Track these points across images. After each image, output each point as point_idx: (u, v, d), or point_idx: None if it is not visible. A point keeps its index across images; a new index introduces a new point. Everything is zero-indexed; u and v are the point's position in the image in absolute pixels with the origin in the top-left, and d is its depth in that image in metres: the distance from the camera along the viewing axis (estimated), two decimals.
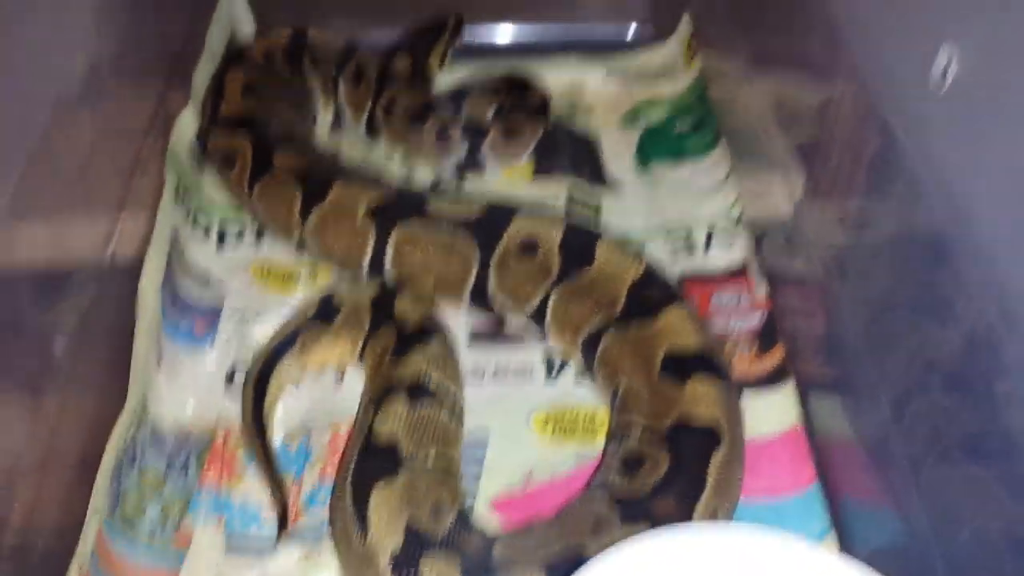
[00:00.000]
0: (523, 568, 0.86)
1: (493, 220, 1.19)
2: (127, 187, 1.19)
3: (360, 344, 1.15)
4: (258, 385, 1.10)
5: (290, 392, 1.14)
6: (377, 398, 1.03)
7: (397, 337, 1.10)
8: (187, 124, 1.33)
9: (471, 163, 1.44)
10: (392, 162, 1.46)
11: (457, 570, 0.86)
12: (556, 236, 1.16)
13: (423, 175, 1.45)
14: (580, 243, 1.16)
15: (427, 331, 1.10)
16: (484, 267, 1.18)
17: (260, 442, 1.06)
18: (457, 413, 1.06)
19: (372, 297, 1.16)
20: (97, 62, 1.11)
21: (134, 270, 1.17)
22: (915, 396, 0.92)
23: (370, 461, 0.95)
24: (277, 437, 1.11)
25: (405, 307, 1.14)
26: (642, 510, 0.90)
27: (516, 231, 1.17)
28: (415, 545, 0.88)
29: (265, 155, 1.26)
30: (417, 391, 1.02)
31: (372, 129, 1.47)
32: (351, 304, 1.16)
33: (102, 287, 1.10)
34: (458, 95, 1.52)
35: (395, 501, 0.91)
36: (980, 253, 0.80)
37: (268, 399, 1.10)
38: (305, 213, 1.22)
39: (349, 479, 0.94)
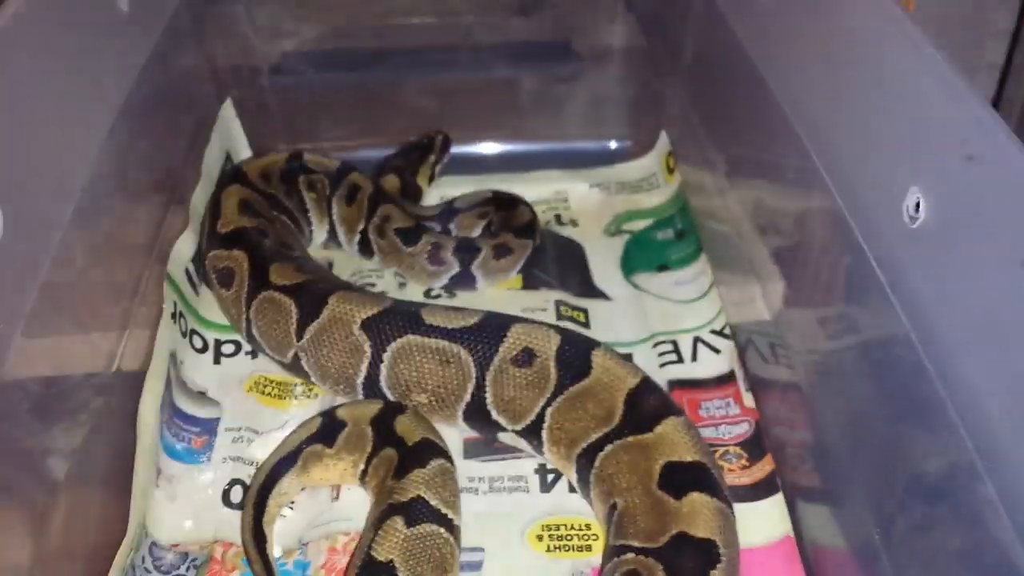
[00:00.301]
0: None
1: (489, 330, 1.20)
2: (129, 306, 1.22)
3: (362, 465, 1.16)
4: (258, 500, 1.11)
5: (288, 508, 1.15)
6: (377, 520, 1.04)
7: (398, 457, 1.11)
8: (185, 247, 1.36)
9: (463, 280, 1.48)
10: (383, 278, 1.50)
11: None
12: (552, 345, 1.18)
13: (414, 290, 1.49)
14: (577, 352, 1.18)
15: (426, 452, 1.11)
16: (481, 378, 1.19)
17: (260, 556, 1.06)
18: (454, 536, 1.06)
19: (373, 416, 1.18)
20: (98, 182, 1.15)
21: (136, 388, 1.18)
22: (903, 506, 0.94)
23: None
24: (275, 552, 1.11)
25: (406, 427, 1.15)
26: None
27: (513, 341, 1.18)
28: None
29: (262, 269, 1.28)
30: (414, 513, 1.03)
31: (365, 247, 1.51)
32: (353, 422, 1.17)
33: (104, 405, 1.11)
34: (447, 213, 1.57)
35: None
36: (955, 380, 0.84)
37: (267, 515, 1.11)
38: (301, 329, 1.24)
39: None
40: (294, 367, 1.28)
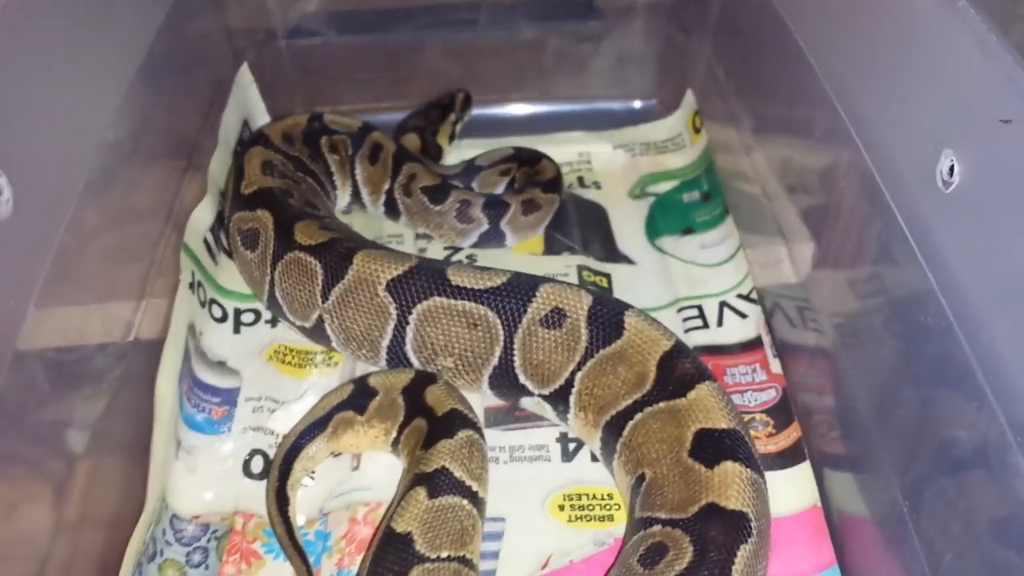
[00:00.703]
0: None
1: (518, 290, 1.16)
2: (146, 275, 1.21)
3: (394, 433, 1.15)
4: (284, 464, 1.11)
5: (309, 478, 1.15)
6: (403, 491, 1.03)
7: (427, 427, 1.11)
8: (202, 216, 1.35)
9: (491, 237, 1.46)
10: (403, 243, 1.49)
11: None
12: (584, 305, 1.14)
13: (437, 249, 1.47)
14: (609, 312, 1.14)
15: (455, 423, 1.09)
16: (509, 341, 1.16)
17: (283, 519, 1.07)
18: (478, 508, 1.05)
19: (405, 385, 1.17)
20: (116, 150, 1.14)
21: (154, 357, 1.17)
22: (931, 474, 0.92)
23: (385, 557, 0.96)
24: (298, 521, 1.11)
25: (436, 397, 1.14)
26: None
27: (542, 301, 1.15)
28: None
29: (287, 228, 1.26)
30: (438, 485, 1.02)
31: (391, 208, 1.49)
32: (385, 390, 1.16)
33: (123, 375, 1.11)
34: (469, 171, 1.55)
35: None
36: (984, 348, 0.81)
37: (292, 479, 1.11)
38: (327, 291, 1.21)
39: (366, 573, 0.95)
40: (316, 331, 1.26)
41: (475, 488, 1.05)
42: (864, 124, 1.04)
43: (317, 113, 1.51)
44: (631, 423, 1.08)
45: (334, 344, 1.26)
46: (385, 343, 1.20)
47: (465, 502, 1.03)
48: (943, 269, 0.88)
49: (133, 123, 1.19)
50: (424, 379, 1.17)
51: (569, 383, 1.14)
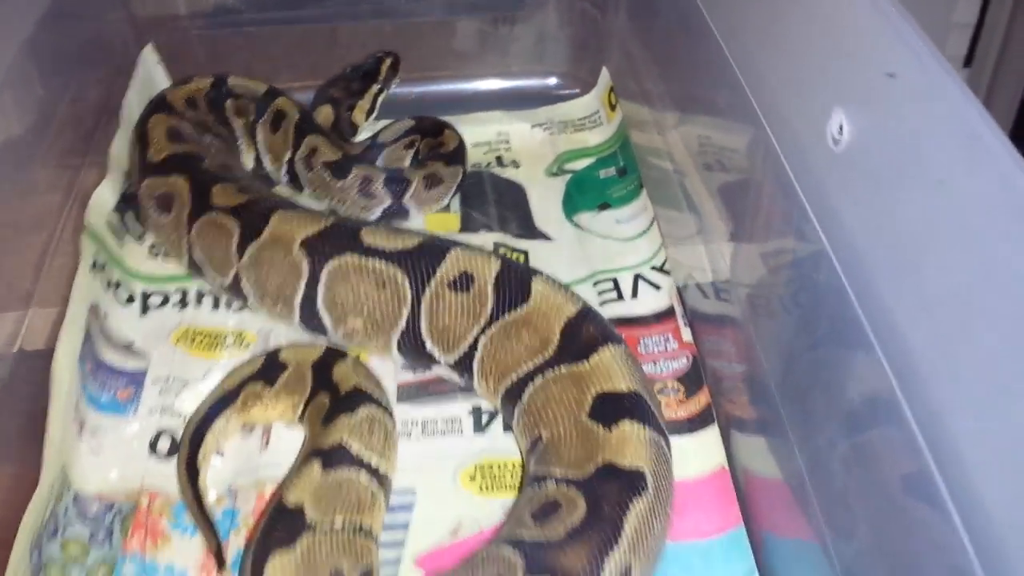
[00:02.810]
0: None
1: (429, 253, 1.17)
2: (36, 279, 1.18)
3: (301, 408, 1.14)
4: (196, 436, 1.10)
5: (217, 456, 1.14)
6: (298, 464, 1.02)
7: (329, 403, 1.10)
8: (105, 196, 1.32)
9: (395, 212, 1.45)
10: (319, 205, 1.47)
11: None
12: (492, 270, 1.15)
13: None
14: (516, 278, 1.15)
15: (357, 399, 1.09)
16: (416, 303, 1.16)
17: (193, 488, 1.06)
18: (379, 482, 1.04)
19: (315, 360, 1.16)
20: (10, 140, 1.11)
21: (44, 361, 1.14)
22: (827, 433, 0.94)
23: (275, 527, 0.94)
24: (210, 497, 1.09)
25: (343, 374, 1.13)
26: (549, 564, 0.88)
27: (451, 264, 1.15)
28: None
29: (203, 192, 1.25)
30: (333, 458, 1.01)
31: (294, 179, 1.47)
32: (295, 364, 1.16)
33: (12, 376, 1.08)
34: (373, 150, 1.53)
35: (291, 569, 0.89)
36: (870, 296, 0.83)
37: (204, 450, 1.10)
38: (242, 248, 1.21)
39: (254, 542, 0.94)
40: (234, 289, 1.26)
41: (375, 463, 1.04)
42: (765, 94, 1.05)
43: (221, 75, 1.48)
44: (530, 387, 1.09)
45: (251, 302, 1.26)
46: (298, 300, 1.21)
47: (363, 474, 1.02)
48: (836, 228, 0.89)
49: (18, 104, 1.16)
50: (333, 356, 1.17)
51: (473, 348, 1.15)
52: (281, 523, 0.94)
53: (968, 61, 1.86)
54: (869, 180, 0.85)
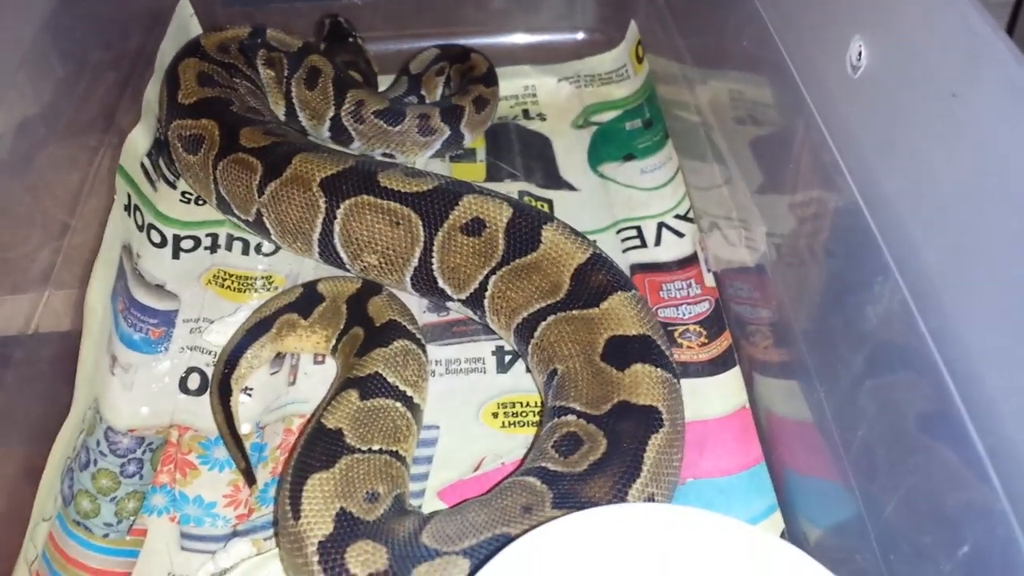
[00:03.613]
0: (447, 556, 0.86)
1: (442, 196, 1.18)
2: (71, 214, 1.20)
3: (334, 341, 1.16)
4: (230, 359, 1.13)
5: (245, 394, 1.16)
6: (334, 392, 1.04)
7: (364, 336, 1.12)
8: (139, 140, 1.34)
9: (453, 141, 1.49)
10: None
11: (384, 557, 0.86)
12: (504, 216, 1.16)
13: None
14: (527, 225, 1.16)
15: (391, 333, 1.11)
16: (429, 242, 1.18)
17: (224, 409, 1.09)
18: (412, 411, 1.06)
19: (351, 294, 1.18)
20: (51, 86, 1.13)
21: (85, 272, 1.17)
22: (854, 374, 0.94)
23: (314, 448, 0.96)
24: (242, 429, 1.12)
25: (377, 308, 1.15)
26: (574, 492, 0.90)
27: (464, 209, 1.17)
28: (345, 531, 0.88)
29: (232, 134, 1.29)
30: (370, 388, 1.03)
31: (341, 133, 1.48)
32: (331, 297, 1.18)
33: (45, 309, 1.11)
34: (412, 83, 1.56)
35: (330, 488, 0.92)
36: (893, 231, 0.82)
37: (237, 373, 1.13)
38: (263, 186, 1.25)
39: (292, 466, 0.96)
40: (257, 224, 1.29)
41: (409, 393, 1.06)
42: (788, 32, 1.05)
43: (261, 27, 1.49)
44: (542, 324, 1.11)
45: (272, 237, 1.29)
46: (315, 236, 1.24)
47: (399, 404, 1.04)
48: (855, 157, 0.89)
49: (59, 43, 1.18)
50: (370, 289, 1.19)
51: (483, 287, 1.16)
52: (320, 445, 0.96)
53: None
54: (887, 102, 0.84)
